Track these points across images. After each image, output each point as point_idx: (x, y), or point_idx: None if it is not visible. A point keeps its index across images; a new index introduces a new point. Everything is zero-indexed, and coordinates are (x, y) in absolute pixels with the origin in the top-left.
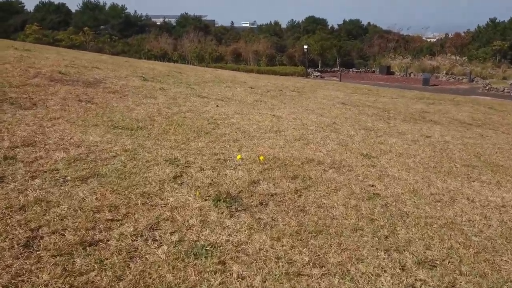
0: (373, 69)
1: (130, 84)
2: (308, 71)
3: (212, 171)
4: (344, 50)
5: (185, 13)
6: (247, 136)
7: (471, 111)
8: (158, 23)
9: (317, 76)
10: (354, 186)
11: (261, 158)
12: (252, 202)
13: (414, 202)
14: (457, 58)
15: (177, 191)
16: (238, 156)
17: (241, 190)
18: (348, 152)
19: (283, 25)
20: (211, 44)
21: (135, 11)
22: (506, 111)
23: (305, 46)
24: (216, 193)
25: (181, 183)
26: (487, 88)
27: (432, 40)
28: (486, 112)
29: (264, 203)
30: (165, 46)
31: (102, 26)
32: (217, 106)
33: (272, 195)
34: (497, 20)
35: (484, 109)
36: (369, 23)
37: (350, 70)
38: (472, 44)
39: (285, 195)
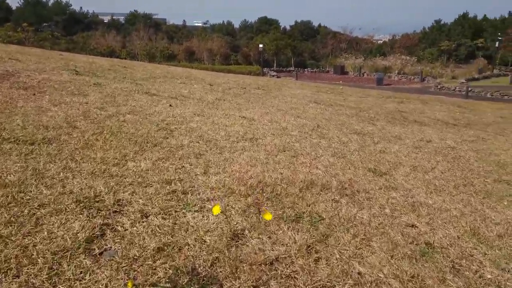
0: (327, 69)
1: (54, 79)
2: (264, 70)
3: (163, 219)
4: (298, 50)
5: (135, 10)
6: (214, 147)
7: (445, 110)
8: (105, 21)
9: (273, 75)
10: (389, 229)
11: (216, 209)
12: (239, 287)
13: (487, 255)
14: (408, 58)
15: (88, 278)
16: (216, 209)
17: (217, 257)
18: (351, 166)
19: (236, 25)
20: (163, 43)
21: (81, 7)
22: (475, 110)
23: (261, 45)
24: (171, 273)
25: (100, 254)
26: (438, 87)
27: (380, 41)
28: (460, 111)
29: (262, 286)
30: (113, 43)
31: (45, 24)
32: (170, 105)
33: (272, 263)
34: (442, 22)
35: (454, 108)
36: (319, 24)
37: (305, 70)
38: (419, 45)
39: (293, 261)
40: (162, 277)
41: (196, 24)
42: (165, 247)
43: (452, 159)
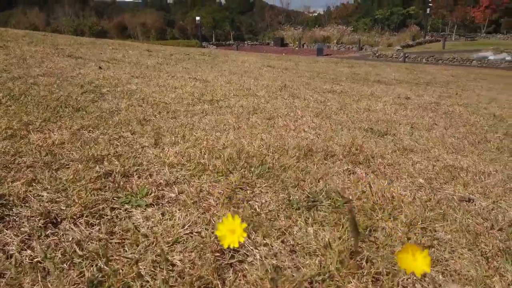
0: (267, 42)
1: None
2: (203, 44)
3: (89, 226)
4: (236, 24)
5: None
6: (164, 111)
7: (397, 72)
8: None
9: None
10: (448, 209)
11: (228, 231)
12: None
13: None
14: (344, 28)
15: None
16: (228, 231)
17: None
18: (343, 128)
19: (170, 0)
20: (91, 19)
21: None
22: (424, 71)
23: (197, 18)
24: None
25: None
26: (376, 54)
27: (316, 14)
28: (410, 72)
29: None
30: (36, 20)
31: None
32: (100, 68)
33: None
34: None
35: (404, 70)
36: None
37: (245, 43)
38: (354, 16)
39: (340, 286)
40: None
41: (127, 0)
42: None
43: (445, 115)
